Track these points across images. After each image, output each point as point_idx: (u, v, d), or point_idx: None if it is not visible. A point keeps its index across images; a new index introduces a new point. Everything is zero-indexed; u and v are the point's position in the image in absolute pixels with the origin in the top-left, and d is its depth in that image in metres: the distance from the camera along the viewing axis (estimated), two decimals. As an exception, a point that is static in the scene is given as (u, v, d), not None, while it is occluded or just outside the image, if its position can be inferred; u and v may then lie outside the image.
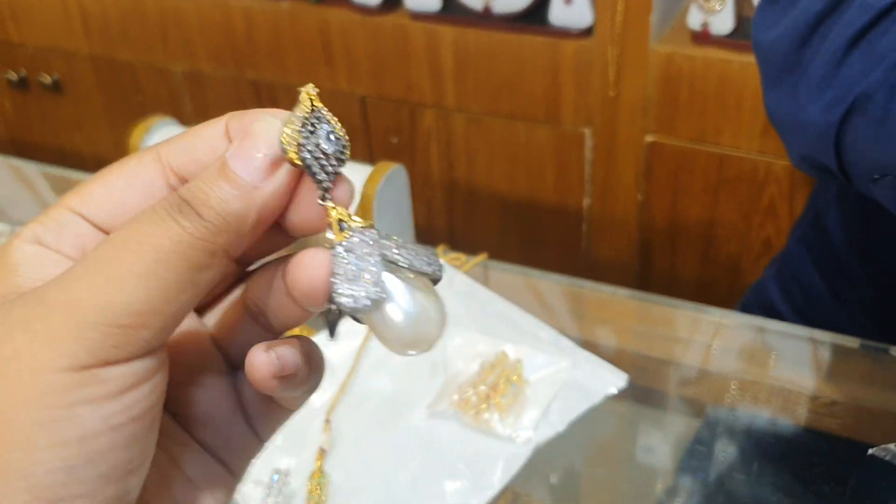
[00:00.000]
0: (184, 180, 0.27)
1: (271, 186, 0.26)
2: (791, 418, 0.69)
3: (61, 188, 1.02)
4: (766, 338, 0.76)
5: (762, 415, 0.69)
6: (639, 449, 0.68)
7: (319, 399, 0.71)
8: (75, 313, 0.24)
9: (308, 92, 0.27)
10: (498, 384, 0.69)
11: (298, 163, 0.26)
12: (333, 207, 0.27)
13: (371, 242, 0.27)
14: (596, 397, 0.67)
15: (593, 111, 1.22)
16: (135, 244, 0.24)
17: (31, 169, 1.05)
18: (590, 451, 0.68)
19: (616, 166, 1.26)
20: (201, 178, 0.25)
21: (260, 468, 0.66)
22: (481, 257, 0.81)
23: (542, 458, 0.66)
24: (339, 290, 0.25)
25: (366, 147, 1.41)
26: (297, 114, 0.26)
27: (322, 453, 0.66)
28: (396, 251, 0.27)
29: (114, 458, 0.24)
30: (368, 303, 0.25)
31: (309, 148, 0.26)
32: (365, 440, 0.68)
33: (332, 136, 0.27)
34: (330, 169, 0.26)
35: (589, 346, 0.73)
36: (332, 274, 0.26)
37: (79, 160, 1.67)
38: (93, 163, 1.07)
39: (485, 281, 0.80)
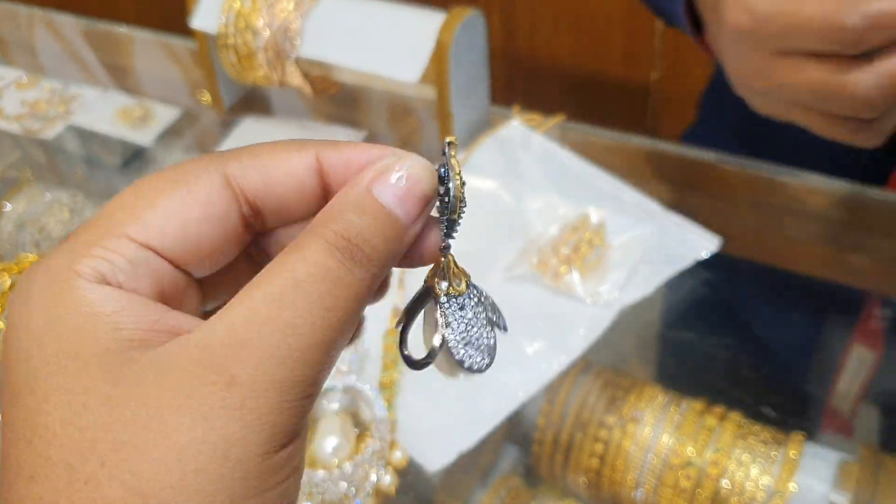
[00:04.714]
0: (255, 207, 0.26)
1: (420, 225, 0.27)
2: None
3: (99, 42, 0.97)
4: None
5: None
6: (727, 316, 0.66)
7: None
8: (275, 393, 0.23)
9: (454, 141, 0.27)
10: (579, 247, 0.66)
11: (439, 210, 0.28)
12: (451, 254, 0.28)
13: (476, 303, 0.29)
14: (685, 261, 0.64)
15: (668, -24, 1.14)
16: (318, 308, 0.23)
17: (66, 22, 1.00)
18: (676, 316, 0.66)
19: (689, 37, 1.18)
20: (365, 224, 0.25)
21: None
22: (559, 118, 0.76)
23: (625, 323, 0.63)
24: (461, 355, 0.28)
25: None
26: (446, 161, 0.27)
27: (397, 312, 0.64)
28: (492, 314, 0.29)
29: None
30: (485, 368, 0.28)
31: (443, 193, 0.27)
32: (440, 300, 0.66)
33: (457, 184, 0.28)
34: (447, 215, 0.28)
35: (674, 210, 0.69)
36: (447, 325, 0.28)
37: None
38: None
39: (561, 144, 0.76)
